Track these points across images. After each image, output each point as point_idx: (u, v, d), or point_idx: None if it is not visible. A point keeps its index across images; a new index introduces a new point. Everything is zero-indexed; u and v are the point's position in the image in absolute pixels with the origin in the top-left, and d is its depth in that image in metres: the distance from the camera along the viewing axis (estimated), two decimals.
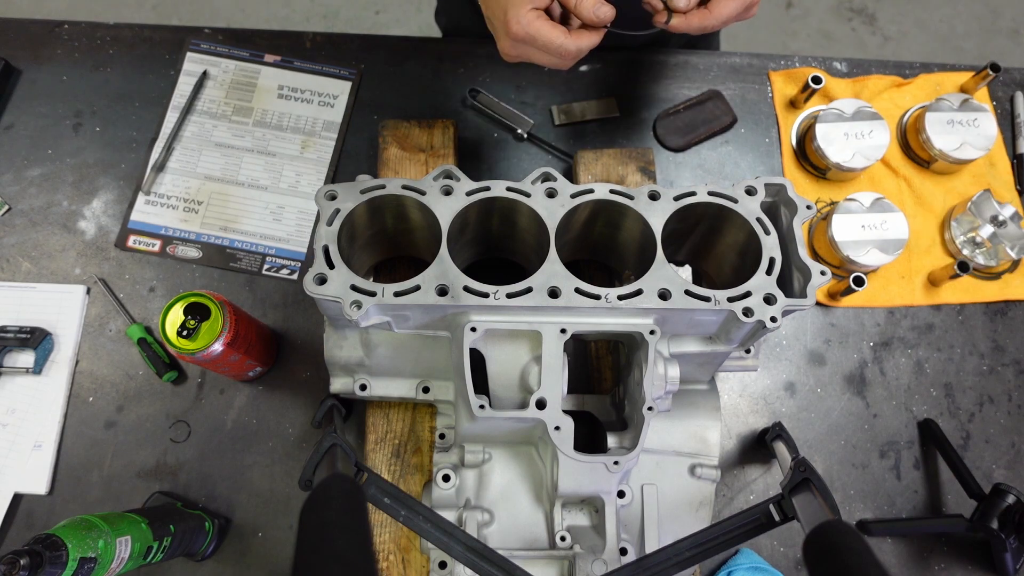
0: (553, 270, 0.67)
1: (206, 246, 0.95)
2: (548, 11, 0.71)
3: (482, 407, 0.68)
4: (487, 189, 0.70)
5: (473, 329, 0.66)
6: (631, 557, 0.70)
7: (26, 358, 0.88)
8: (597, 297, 0.66)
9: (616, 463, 0.68)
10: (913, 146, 1.02)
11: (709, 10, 0.69)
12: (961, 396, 0.94)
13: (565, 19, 0.72)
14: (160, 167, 0.98)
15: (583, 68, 1.05)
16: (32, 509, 0.84)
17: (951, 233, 0.97)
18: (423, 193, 0.69)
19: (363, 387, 0.77)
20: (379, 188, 0.69)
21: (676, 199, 0.71)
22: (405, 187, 0.69)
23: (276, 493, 0.85)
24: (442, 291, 0.65)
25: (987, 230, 0.95)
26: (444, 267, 0.66)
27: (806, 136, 1.01)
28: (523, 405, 0.69)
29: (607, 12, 0.68)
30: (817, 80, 0.99)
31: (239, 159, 0.99)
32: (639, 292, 0.66)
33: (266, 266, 0.94)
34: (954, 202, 1.00)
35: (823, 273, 0.67)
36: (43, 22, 1.04)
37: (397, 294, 0.64)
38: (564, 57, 0.69)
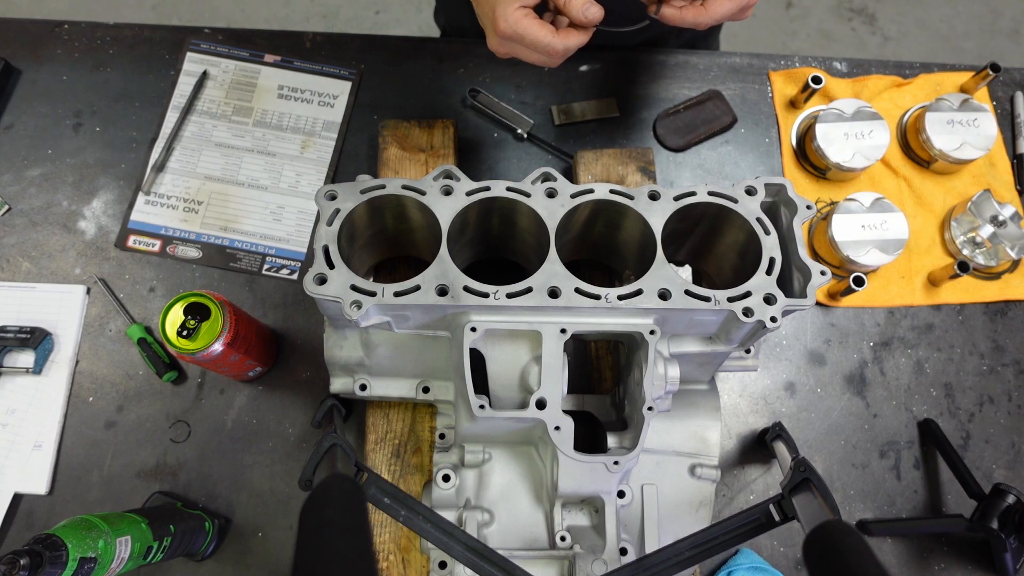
0: (553, 270, 0.67)
1: (206, 246, 0.95)
2: (544, 5, 0.71)
3: (482, 407, 0.68)
4: (487, 189, 0.70)
5: (473, 329, 0.66)
6: (631, 557, 0.70)
7: (26, 358, 0.88)
8: (597, 297, 0.66)
9: (616, 463, 0.68)
10: (913, 146, 1.02)
11: (705, 7, 0.69)
12: (961, 396, 0.94)
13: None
14: (160, 167, 0.98)
15: (583, 68, 1.05)
16: (32, 509, 0.84)
17: (951, 233, 0.97)
18: (423, 193, 0.69)
19: (363, 387, 0.77)
20: (379, 188, 0.69)
21: (676, 199, 0.71)
22: (405, 187, 0.69)
23: (276, 493, 0.85)
24: (442, 291, 0.65)
25: (987, 230, 0.95)
26: (444, 267, 0.66)
27: (806, 136, 1.01)
28: (523, 405, 0.69)
29: (595, 12, 0.68)
30: (817, 80, 0.99)
31: (239, 159, 0.99)
32: (639, 292, 0.66)
33: (266, 266, 0.94)
34: (954, 202, 1.00)
35: (823, 273, 0.67)
36: (43, 22, 1.04)
37: (397, 294, 0.64)
38: (552, 55, 0.70)
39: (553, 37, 0.68)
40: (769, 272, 0.68)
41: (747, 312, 0.66)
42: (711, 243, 0.78)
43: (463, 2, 1.13)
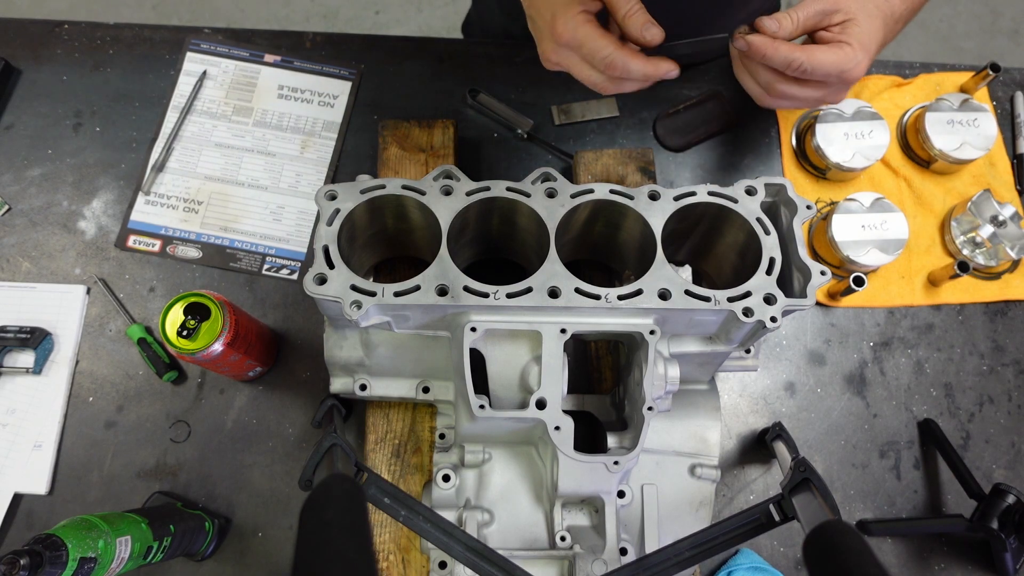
0: (553, 270, 0.67)
1: (206, 246, 0.95)
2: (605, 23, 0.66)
3: (482, 407, 0.68)
4: (487, 189, 0.70)
5: (473, 329, 0.66)
6: (631, 557, 0.70)
7: (26, 358, 0.88)
8: (597, 297, 0.66)
9: (616, 463, 0.68)
10: (913, 146, 1.02)
11: (804, 49, 0.61)
12: (961, 396, 0.94)
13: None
14: (160, 167, 0.98)
15: None
16: (32, 509, 0.84)
17: (951, 233, 0.97)
18: (423, 193, 0.69)
19: (363, 387, 0.77)
20: (379, 188, 0.69)
21: (676, 199, 0.71)
22: (405, 187, 0.69)
23: (276, 493, 0.85)
24: (442, 291, 0.65)
25: (987, 230, 0.95)
26: (444, 267, 0.66)
27: (806, 136, 1.01)
28: (523, 405, 0.69)
29: (656, 33, 0.63)
30: None
31: (239, 159, 0.99)
32: (639, 292, 0.66)
33: (266, 266, 0.94)
34: (954, 202, 1.00)
35: (823, 273, 0.67)
36: (43, 22, 1.04)
37: (397, 294, 0.64)
38: (609, 70, 0.64)
39: (615, 50, 0.62)
40: (769, 272, 0.68)
41: (747, 312, 0.66)
42: (711, 243, 0.78)
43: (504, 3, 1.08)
